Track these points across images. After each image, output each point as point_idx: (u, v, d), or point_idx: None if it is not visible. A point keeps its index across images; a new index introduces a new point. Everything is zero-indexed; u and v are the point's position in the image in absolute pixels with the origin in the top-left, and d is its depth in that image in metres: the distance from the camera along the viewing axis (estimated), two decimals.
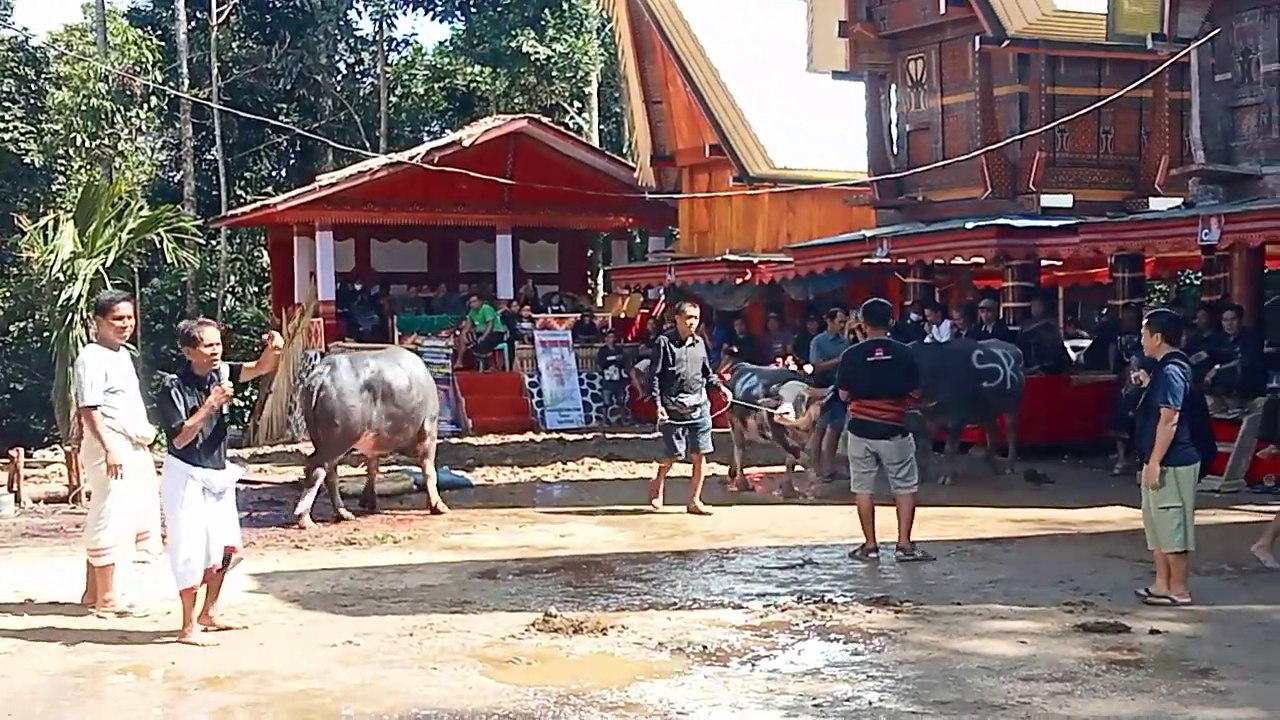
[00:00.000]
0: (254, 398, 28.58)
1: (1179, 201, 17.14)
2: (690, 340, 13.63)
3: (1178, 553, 9.18)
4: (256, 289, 38.14)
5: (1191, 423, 9.20)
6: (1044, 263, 20.05)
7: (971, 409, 15.79)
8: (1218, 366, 15.22)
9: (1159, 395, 9.16)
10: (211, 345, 8.62)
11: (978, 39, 18.64)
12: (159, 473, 9.14)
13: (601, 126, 37.82)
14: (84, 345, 10.29)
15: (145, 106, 33.30)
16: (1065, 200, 18.74)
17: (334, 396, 13.34)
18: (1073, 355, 19.26)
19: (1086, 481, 15.46)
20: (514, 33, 35.40)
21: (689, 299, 15.40)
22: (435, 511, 13.74)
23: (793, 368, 16.75)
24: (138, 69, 32.59)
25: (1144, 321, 9.73)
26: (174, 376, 8.55)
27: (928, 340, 17.65)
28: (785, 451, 14.60)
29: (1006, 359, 15.95)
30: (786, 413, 13.76)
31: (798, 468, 14.76)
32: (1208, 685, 7.27)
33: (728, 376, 15.46)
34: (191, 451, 8.46)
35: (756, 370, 15.38)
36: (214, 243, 34.42)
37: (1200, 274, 19.60)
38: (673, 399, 13.53)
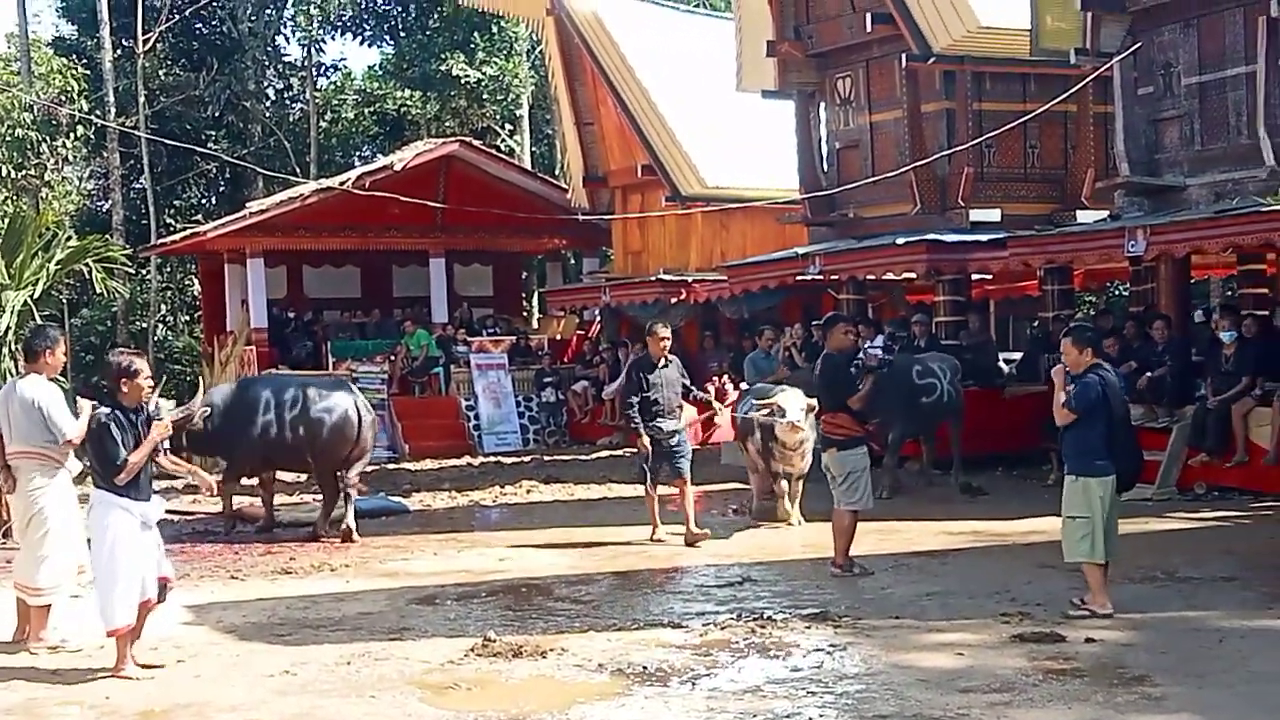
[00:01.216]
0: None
1: (1105, 214, 17.38)
2: (663, 362, 12.95)
3: (1092, 564, 9.23)
4: (188, 318, 37.76)
5: (1108, 435, 9.22)
6: (975, 276, 20.26)
7: (911, 422, 15.90)
8: (1147, 375, 15.41)
9: (1075, 400, 9.21)
10: (148, 378, 8.60)
11: (904, 57, 18.82)
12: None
13: (533, 149, 37.83)
14: (14, 378, 10.05)
15: (71, 136, 32.92)
16: (994, 215, 18.94)
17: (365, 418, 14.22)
18: (1005, 368, 19.44)
19: (1021, 492, 15.60)
20: (444, 56, 35.35)
21: (660, 320, 14.91)
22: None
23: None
24: (63, 98, 32.24)
25: (1064, 336, 9.79)
26: (107, 410, 8.43)
27: (860, 355, 17.77)
28: (771, 478, 13.78)
29: (943, 372, 16.11)
30: (796, 421, 12.92)
31: (786, 497, 13.71)
32: (1143, 692, 7.35)
33: (726, 392, 15.13)
34: (129, 485, 8.38)
35: (757, 390, 14.36)
36: (144, 272, 34.09)
37: (1128, 285, 19.84)
38: (649, 425, 12.81)
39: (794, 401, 12.99)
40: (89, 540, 8.56)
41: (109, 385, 8.71)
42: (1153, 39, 15.90)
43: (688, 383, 13.32)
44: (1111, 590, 9.28)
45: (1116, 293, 28.14)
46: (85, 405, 8.80)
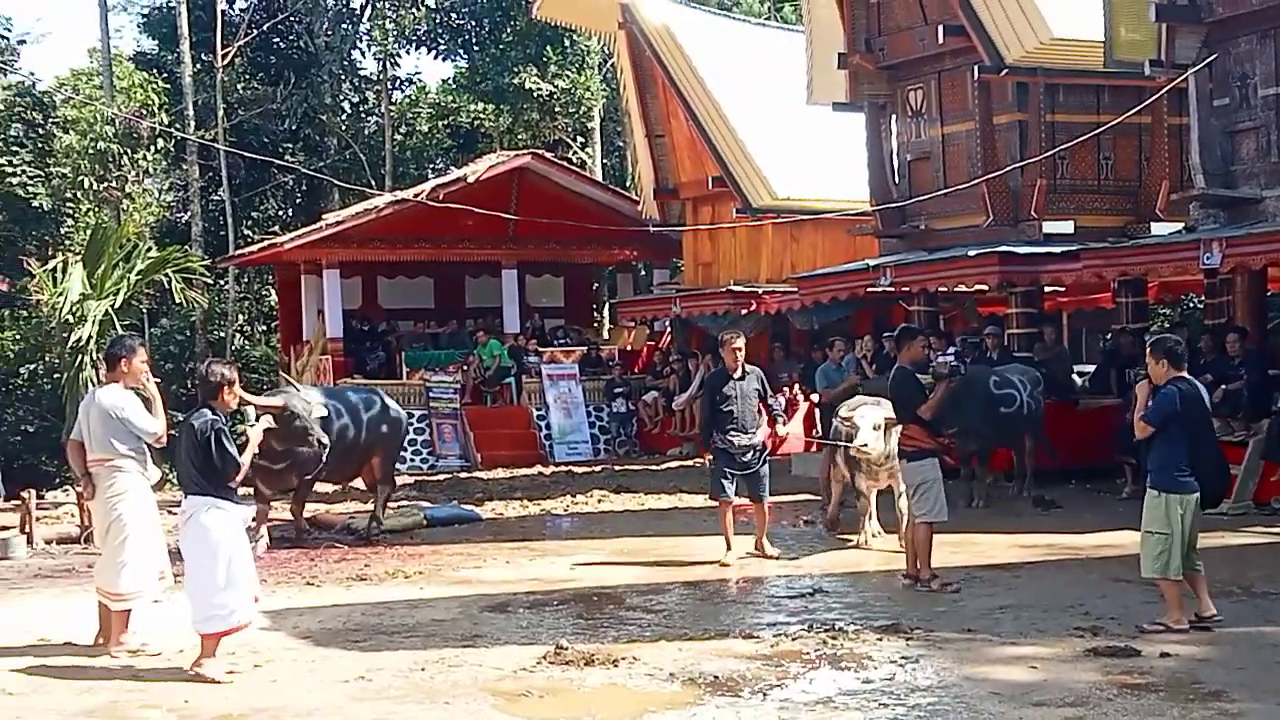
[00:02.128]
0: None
1: (1180, 226, 17.22)
2: (740, 373, 12.43)
3: (1169, 580, 9.13)
4: (265, 327, 38.24)
5: (1191, 452, 9.08)
6: (1047, 289, 20.11)
7: (989, 434, 15.79)
8: (1223, 388, 15.25)
9: (1151, 413, 9.14)
10: (239, 386, 8.89)
11: (976, 68, 18.75)
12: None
13: (604, 161, 37.99)
14: (94, 386, 10.25)
15: (152, 149, 33.48)
16: (1067, 226, 18.81)
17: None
18: (1078, 381, 19.31)
19: (1094, 506, 15.48)
20: (516, 70, 35.60)
21: (732, 329, 14.12)
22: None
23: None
24: (144, 112, 32.77)
25: (1147, 348, 9.69)
26: (215, 419, 8.62)
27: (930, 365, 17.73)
28: (855, 492, 13.31)
29: (1023, 384, 16.07)
30: (864, 445, 12.46)
31: (870, 513, 13.29)
32: (1219, 708, 7.29)
33: (796, 403, 14.70)
34: (231, 490, 8.61)
35: (854, 402, 13.44)
36: (222, 282, 34.55)
37: (1203, 297, 19.64)
38: (722, 437, 12.37)
39: (869, 419, 12.48)
40: (190, 546, 8.66)
41: (201, 394, 8.88)
42: (1229, 50, 15.74)
43: (768, 396, 12.78)
44: (1188, 604, 9.18)
45: (1191, 306, 27.81)
46: (259, 425, 9.04)
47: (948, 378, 11.55)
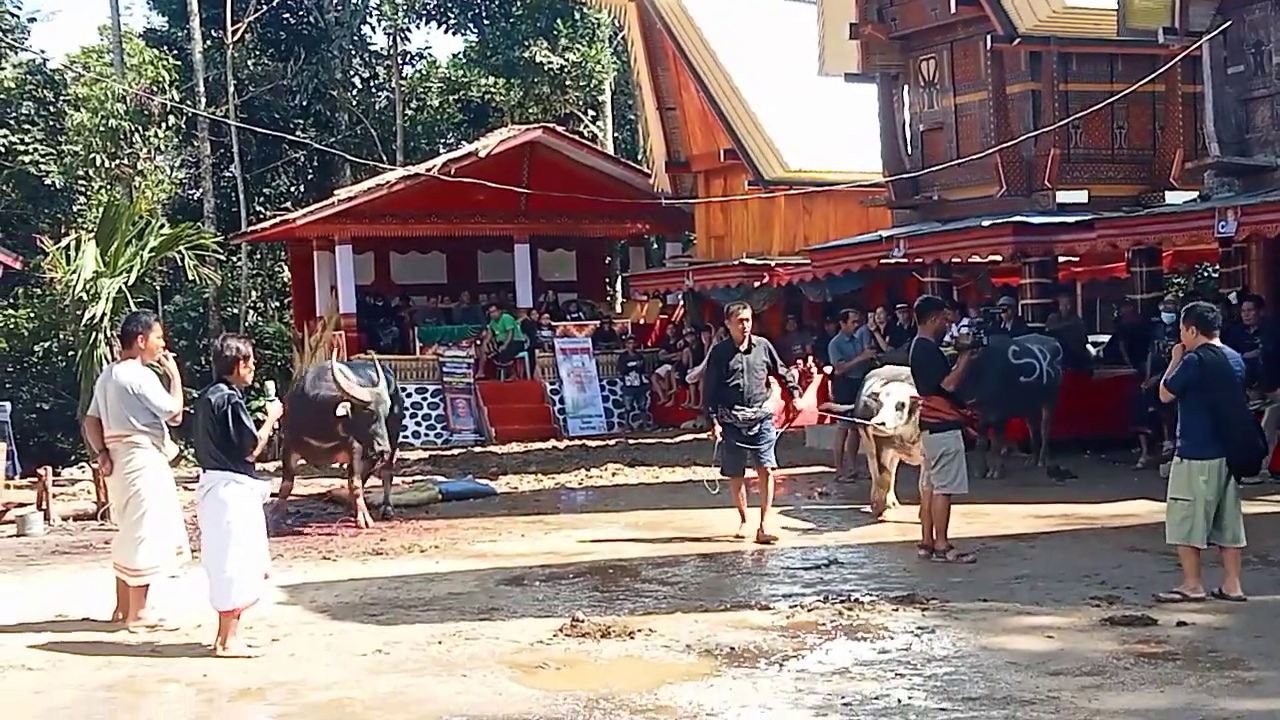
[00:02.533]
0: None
1: (1194, 195, 17.14)
2: (746, 345, 12.18)
3: (1187, 546, 9.13)
4: (278, 304, 38.30)
5: (1215, 419, 9.04)
6: (1061, 259, 20.04)
7: (1008, 404, 15.75)
8: (1240, 357, 15.17)
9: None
10: (253, 361, 8.91)
11: (989, 38, 18.66)
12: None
13: (616, 134, 37.90)
14: (111, 363, 10.25)
15: (163, 125, 33.47)
16: (1081, 196, 18.73)
17: None
18: (1092, 351, 19.26)
19: (1109, 476, 15.46)
20: (527, 43, 35.51)
21: (739, 301, 13.54)
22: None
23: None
24: (155, 89, 32.76)
25: (1181, 316, 9.62)
26: (232, 393, 8.64)
27: (947, 338, 17.71)
28: (877, 463, 13.10)
29: (1042, 354, 16.04)
30: (880, 424, 12.26)
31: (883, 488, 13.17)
32: (1236, 676, 7.30)
33: (810, 375, 14.48)
34: (250, 465, 8.64)
35: (880, 375, 13.14)
36: (234, 259, 34.57)
37: (1218, 266, 19.57)
38: (727, 411, 12.13)
39: (895, 397, 12.17)
40: (207, 521, 8.68)
41: (217, 369, 8.89)
42: (1243, 17, 15.64)
43: (779, 367, 12.59)
44: (1204, 575, 9.16)
45: (1206, 275, 27.72)
46: (274, 409, 9.12)
47: (970, 348, 11.52)
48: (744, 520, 12.41)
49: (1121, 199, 18.70)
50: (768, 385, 12.46)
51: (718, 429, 12.23)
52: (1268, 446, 10.28)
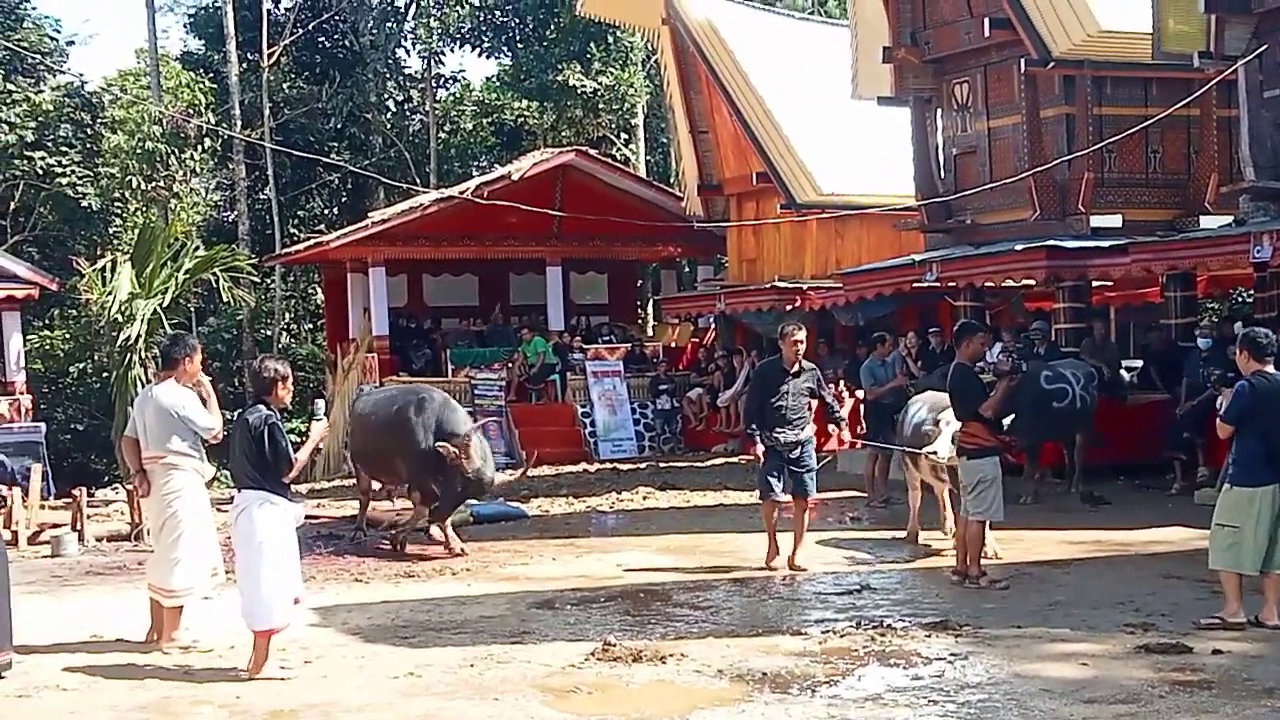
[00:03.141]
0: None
1: (1229, 219, 17.04)
2: (796, 369, 11.84)
3: (1228, 572, 9.04)
4: (311, 326, 38.49)
5: (1267, 446, 8.92)
6: (1095, 283, 19.97)
7: (1041, 429, 15.65)
8: None
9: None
10: (291, 382, 8.94)
11: (1023, 61, 18.62)
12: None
13: (648, 157, 38.01)
14: (150, 384, 10.30)
15: (199, 148, 33.76)
16: (1115, 220, 18.67)
17: None
18: (1126, 376, 19.16)
19: (1143, 502, 15.36)
20: (560, 67, 35.67)
21: (794, 322, 13.09)
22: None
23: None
24: (191, 111, 33.04)
25: (1237, 341, 9.54)
26: (270, 414, 8.66)
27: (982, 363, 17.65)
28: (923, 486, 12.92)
29: (1075, 378, 15.98)
30: (934, 453, 11.93)
31: (948, 521, 12.84)
32: (1273, 705, 7.23)
33: (842, 399, 14.21)
34: (286, 486, 8.68)
35: (927, 401, 12.81)
36: (268, 281, 34.80)
37: (1253, 291, 19.45)
38: (768, 433, 11.82)
39: (951, 426, 11.66)
40: (240, 541, 8.70)
41: (255, 389, 8.93)
42: (1279, 41, 15.58)
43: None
44: (1247, 602, 9.09)
45: (1240, 300, 27.55)
46: (318, 426, 9.18)
47: (1009, 374, 11.41)
48: (775, 551, 11.99)
49: (1156, 223, 18.62)
50: (808, 409, 12.13)
51: (759, 448, 11.95)
52: None
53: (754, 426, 12.01)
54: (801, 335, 12.01)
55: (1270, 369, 9.14)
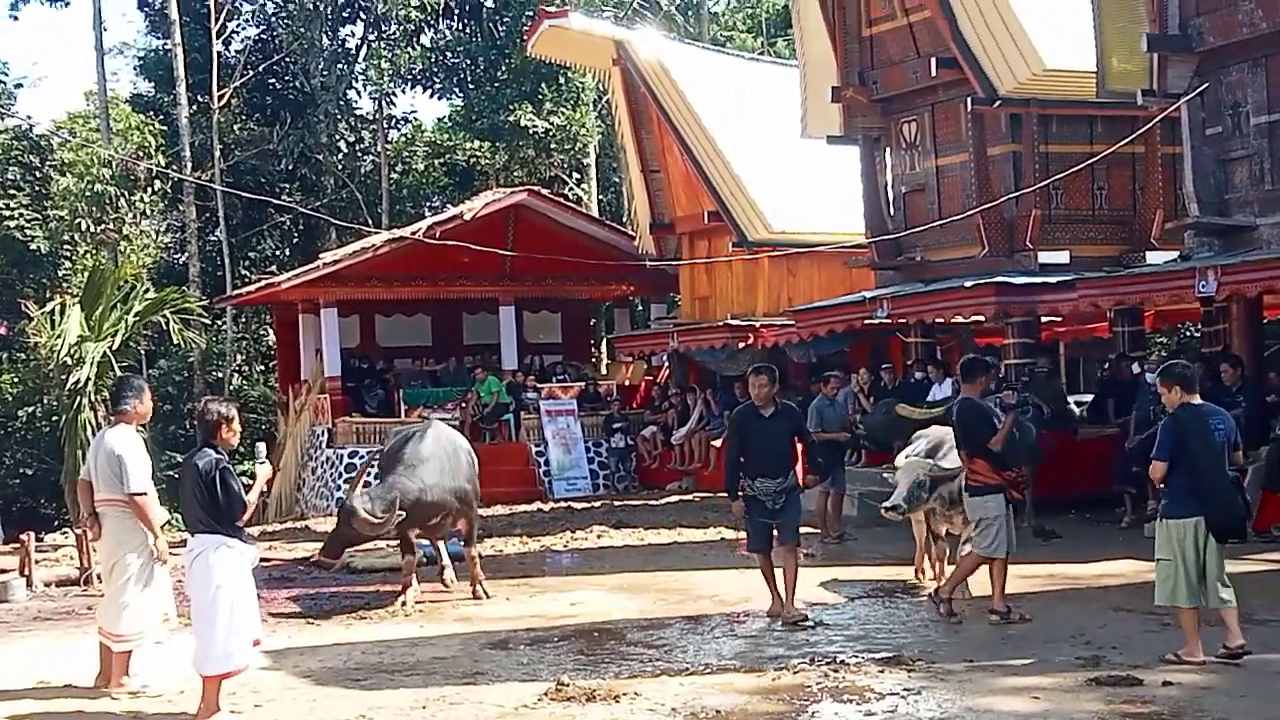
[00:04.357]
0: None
1: (1175, 255, 17.26)
2: (770, 411, 11.30)
3: (1181, 608, 9.04)
4: (263, 367, 38.28)
5: (1190, 477, 8.95)
6: (1044, 319, 20.16)
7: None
8: None
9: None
10: (238, 423, 8.84)
11: (970, 100, 18.84)
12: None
13: (600, 197, 38.09)
14: (105, 428, 10.19)
15: (149, 190, 33.60)
16: (1062, 257, 18.87)
17: None
18: (1075, 411, 19.32)
19: (1094, 536, 15.48)
20: (512, 107, 35.74)
21: (760, 364, 12.18)
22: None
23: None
24: (141, 154, 32.89)
25: (1158, 378, 9.58)
26: (219, 458, 8.58)
27: (929, 398, 17.77)
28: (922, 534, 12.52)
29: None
30: (889, 508, 11.57)
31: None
32: None
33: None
34: (239, 529, 8.61)
35: (932, 436, 12.27)
36: (220, 323, 34.59)
37: (1200, 326, 19.68)
38: (750, 483, 11.23)
39: (906, 477, 11.60)
40: (196, 585, 8.59)
41: (201, 433, 8.85)
42: (1220, 79, 15.82)
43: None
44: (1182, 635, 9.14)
45: (1188, 334, 27.87)
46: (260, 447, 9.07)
47: (1015, 408, 11.40)
48: (776, 600, 11.38)
49: (1103, 259, 18.82)
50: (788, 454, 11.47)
51: (739, 504, 11.37)
52: (1250, 507, 10.23)
53: (733, 482, 11.32)
54: (764, 379, 11.31)
55: (1197, 400, 9.25)
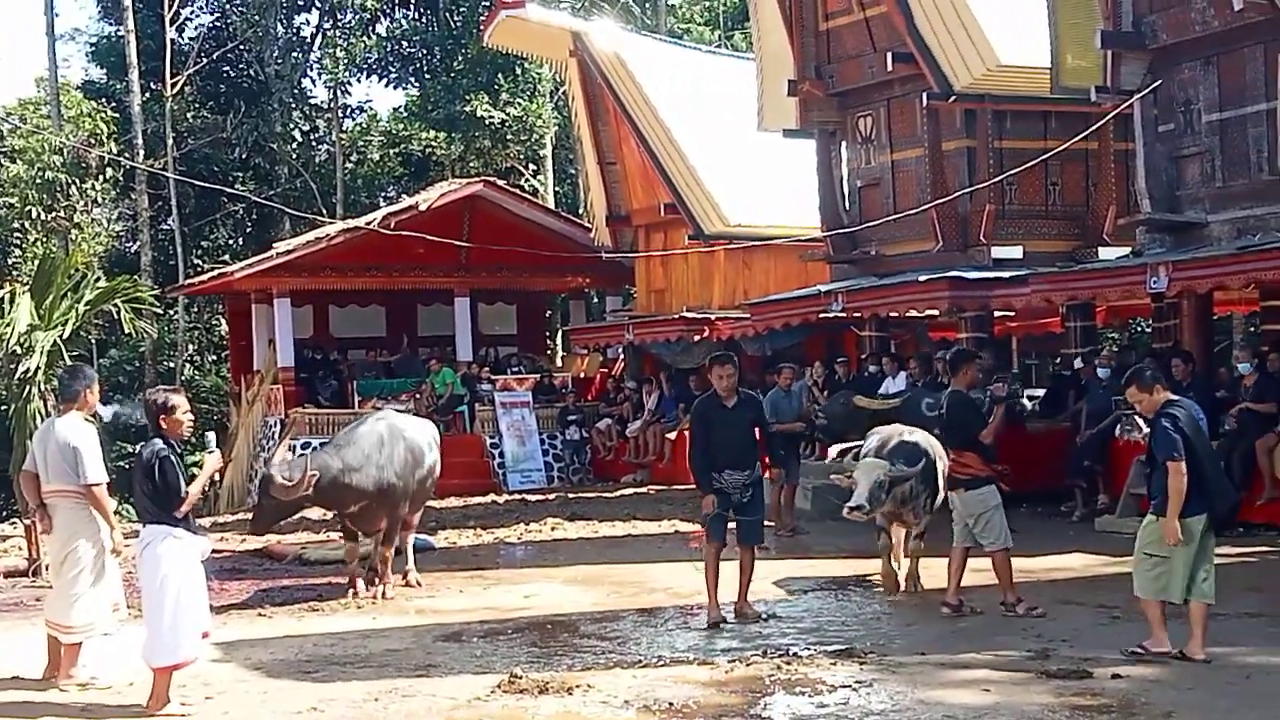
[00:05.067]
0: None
1: (1127, 251, 17.40)
2: (734, 401, 10.88)
3: (1149, 602, 9.01)
4: (215, 357, 38.03)
5: (1194, 474, 8.77)
6: (997, 313, 20.28)
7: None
8: None
9: (1159, 451, 8.88)
10: (187, 411, 8.72)
11: (925, 95, 18.92)
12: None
13: (557, 188, 38.06)
14: (51, 417, 10.07)
15: (100, 178, 33.31)
16: (1016, 252, 18.99)
17: None
18: (1028, 405, 19.43)
19: (1045, 530, 15.53)
20: (468, 98, 35.65)
21: (721, 353, 11.68)
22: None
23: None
24: (92, 141, 32.61)
25: (1125, 385, 9.39)
26: (162, 447, 8.48)
27: (881, 391, 17.85)
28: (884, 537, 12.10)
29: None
30: (857, 506, 11.16)
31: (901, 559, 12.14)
32: None
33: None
34: (184, 519, 8.50)
35: (883, 433, 12.16)
36: (172, 312, 34.35)
37: (1151, 321, 19.84)
38: (718, 475, 10.74)
39: (866, 477, 11.29)
40: (145, 576, 8.52)
41: (148, 422, 8.77)
42: (1173, 76, 15.97)
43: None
44: (1135, 628, 9.20)
45: (1139, 329, 28.10)
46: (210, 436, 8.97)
47: (1004, 400, 11.37)
48: (713, 604, 10.85)
49: (1056, 255, 18.96)
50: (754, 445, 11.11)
51: (710, 497, 10.76)
52: (1239, 497, 10.26)
53: (709, 476, 10.75)
54: (729, 368, 10.83)
55: (1172, 395, 9.27)
